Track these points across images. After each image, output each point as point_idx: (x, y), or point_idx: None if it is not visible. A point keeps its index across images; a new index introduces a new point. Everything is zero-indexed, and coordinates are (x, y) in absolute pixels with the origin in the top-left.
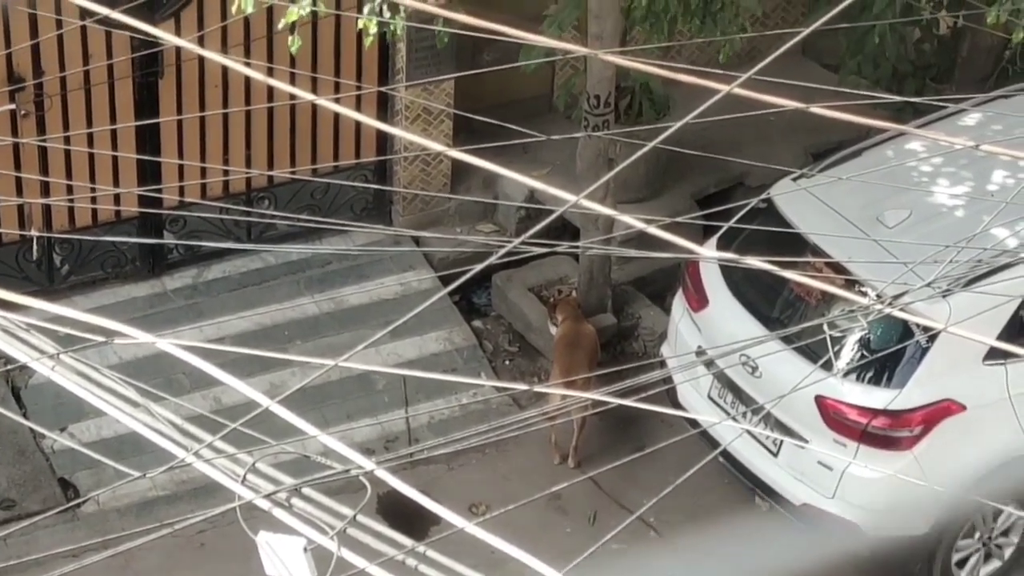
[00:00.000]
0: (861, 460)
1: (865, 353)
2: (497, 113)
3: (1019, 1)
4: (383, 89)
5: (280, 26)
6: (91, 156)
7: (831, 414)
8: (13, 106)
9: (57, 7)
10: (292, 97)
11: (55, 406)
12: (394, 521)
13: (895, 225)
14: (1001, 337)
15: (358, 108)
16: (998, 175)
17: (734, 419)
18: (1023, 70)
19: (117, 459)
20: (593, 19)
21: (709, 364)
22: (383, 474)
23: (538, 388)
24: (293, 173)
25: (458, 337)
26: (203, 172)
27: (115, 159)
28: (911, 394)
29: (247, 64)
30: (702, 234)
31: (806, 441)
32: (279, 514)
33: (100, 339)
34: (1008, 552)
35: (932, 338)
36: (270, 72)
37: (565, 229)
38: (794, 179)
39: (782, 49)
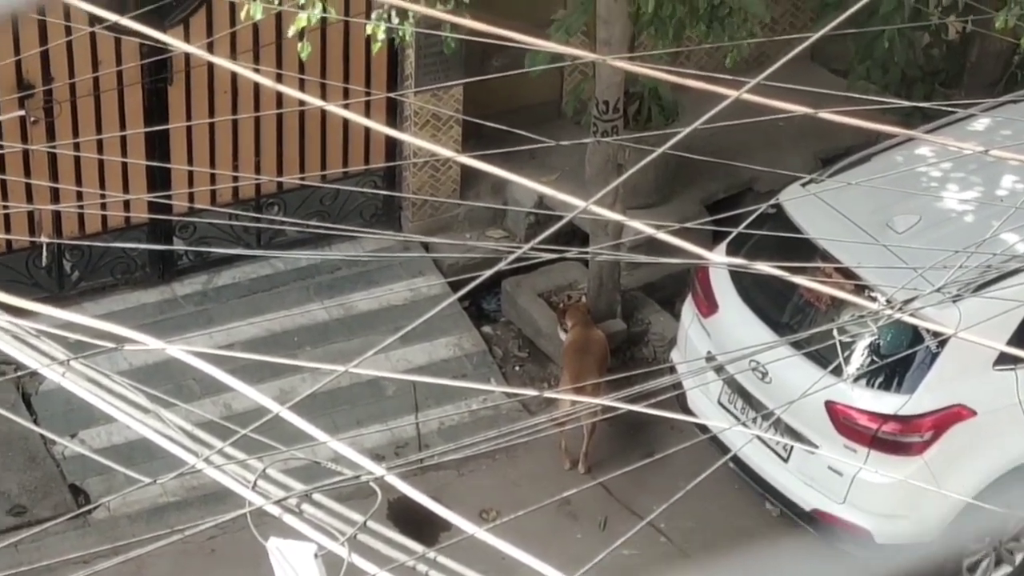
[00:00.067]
0: (871, 466)
1: (875, 358)
2: (506, 119)
3: None
4: (392, 95)
5: (289, 33)
6: (101, 162)
7: (841, 419)
8: (23, 112)
9: (66, 14)
10: (301, 103)
11: (65, 412)
12: (404, 527)
13: (905, 230)
14: (1011, 342)
15: (367, 114)
16: (1007, 180)
17: (744, 425)
18: None
19: (127, 465)
20: (602, 24)
21: (719, 370)
22: (393, 480)
23: (548, 394)
24: (302, 179)
25: (468, 343)
26: (213, 178)
27: (125, 165)
28: (921, 399)
29: (256, 70)
30: (711, 240)
31: (816, 447)
32: (289, 520)
33: (110, 345)
34: (1019, 557)
35: (942, 343)
36: (279, 78)
37: (574, 235)
38: (803, 184)
39: (791, 54)
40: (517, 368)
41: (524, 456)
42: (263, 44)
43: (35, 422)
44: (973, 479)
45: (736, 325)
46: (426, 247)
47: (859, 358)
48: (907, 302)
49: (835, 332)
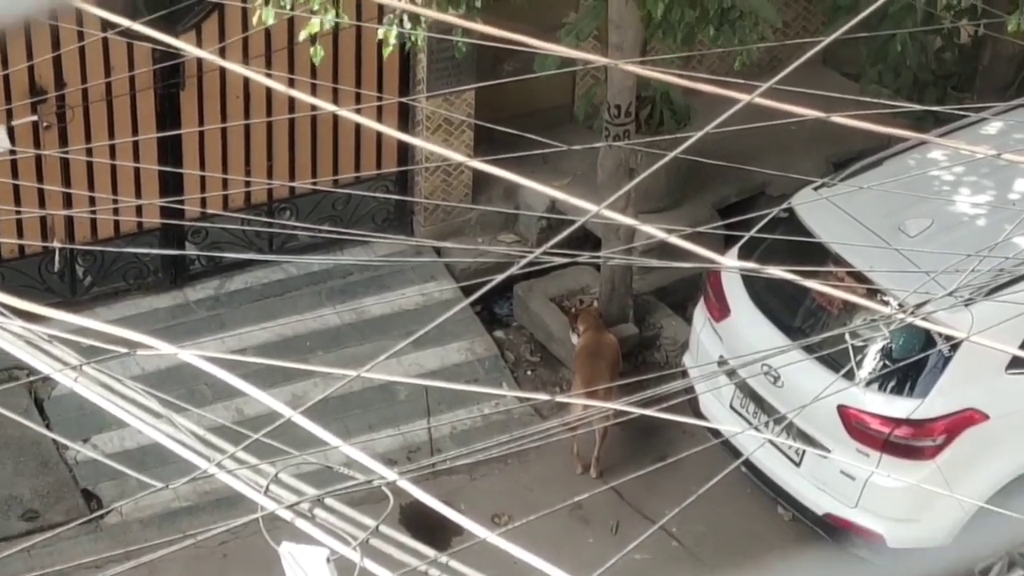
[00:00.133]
0: (884, 470)
1: (887, 362)
2: (518, 123)
3: None
4: (404, 100)
5: (301, 37)
6: (113, 168)
7: (853, 424)
8: (35, 118)
9: (79, 19)
10: (313, 108)
11: (78, 417)
12: (417, 531)
13: (917, 234)
14: None
15: (379, 119)
16: (1020, 184)
17: (756, 429)
18: None
19: (140, 470)
20: (614, 29)
21: (731, 374)
22: (405, 484)
23: (560, 398)
24: (315, 184)
25: (480, 347)
26: (225, 183)
27: (137, 170)
28: (934, 403)
29: (268, 75)
30: (723, 244)
31: (828, 451)
32: (302, 525)
33: (123, 350)
34: None
35: (954, 347)
36: (291, 83)
37: (586, 239)
38: (815, 188)
39: (803, 58)
40: (529, 372)
41: (536, 460)
42: (275, 49)
43: (47, 427)
44: (985, 483)
45: (748, 329)
46: (438, 251)
47: (871, 362)
48: (919, 306)
49: (847, 336)
